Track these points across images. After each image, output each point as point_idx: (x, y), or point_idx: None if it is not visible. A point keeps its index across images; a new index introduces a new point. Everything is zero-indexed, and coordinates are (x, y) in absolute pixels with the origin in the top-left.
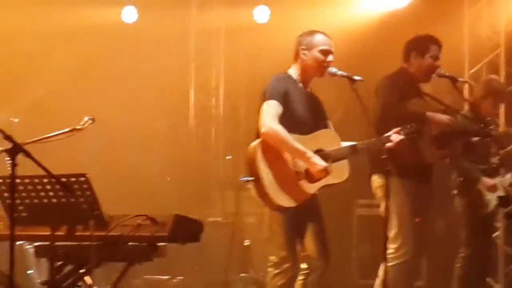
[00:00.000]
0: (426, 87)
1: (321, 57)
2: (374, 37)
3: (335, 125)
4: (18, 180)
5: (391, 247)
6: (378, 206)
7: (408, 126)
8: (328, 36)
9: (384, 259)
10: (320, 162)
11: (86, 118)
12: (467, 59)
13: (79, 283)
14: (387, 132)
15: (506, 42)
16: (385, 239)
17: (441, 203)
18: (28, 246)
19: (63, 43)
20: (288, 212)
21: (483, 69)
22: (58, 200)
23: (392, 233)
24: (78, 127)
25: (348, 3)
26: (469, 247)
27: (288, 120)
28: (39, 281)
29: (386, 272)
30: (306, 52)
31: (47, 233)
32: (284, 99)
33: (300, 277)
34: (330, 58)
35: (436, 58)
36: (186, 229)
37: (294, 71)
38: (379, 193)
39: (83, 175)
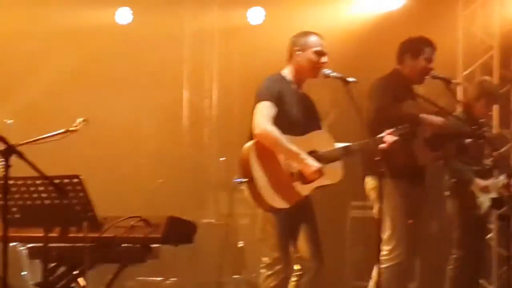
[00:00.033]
0: (419, 89)
1: (315, 58)
2: (368, 38)
3: (329, 126)
4: (11, 181)
5: (385, 249)
6: (371, 208)
7: (401, 127)
8: (322, 37)
9: (378, 261)
10: (313, 164)
11: (79, 120)
12: (461, 60)
13: (73, 285)
14: (381, 133)
15: (500, 44)
16: (379, 241)
17: (434, 204)
18: (22, 248)
19: (57, 44)
20: (281, 213)
21: (477, 71)
22: (51, 202)
23: (385, 235)
24: (72, 128)
25: (342, 5)
26: (461, 249)
27: (281, 121)
28: (32, 282)
29: (379, 274)
30: (300, 53)
31: (41, 234)
32: (278, 100)
33: (293, 279)
34: (324, 59)
35: (430, 60)
36: (180, 231)
37: (287, 72)
38: (372, 195)
39: (77, 176)
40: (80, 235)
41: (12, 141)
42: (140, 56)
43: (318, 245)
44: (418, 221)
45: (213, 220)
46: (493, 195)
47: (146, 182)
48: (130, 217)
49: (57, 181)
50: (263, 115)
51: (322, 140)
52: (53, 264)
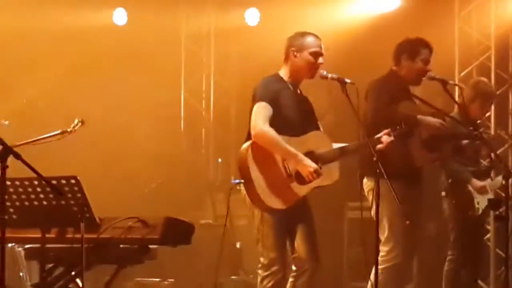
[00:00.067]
0: (416, 90)
1: (311, 59)
2: (364, 39)
3: (326, 127)
4: (8, 183)
5: (383, 250)
6: (369, 208)
7: (398, 127)
8: (318, 38)
9: (376, 262)
10: (311, 164)
11: (76, 121)
12: (458, 61)
13: (70, 286)
14: (378, 134)
15: (496, 45)
16: (376, 242)
17: (432, 205)
18: (19, 249)
19: (54, 45)
20: (278, 214)
21: (473, 72)
22: (48, 203)
23: (383, 236)
24: (68, 129)
25: (339, 6)
26: (457, 250)
27: (278, 121)
28: (29, 283)
29: (377, 275)
30: (296, 54)
31: (38, 235)
32: (275, 101)
33: (290, 279)
34: (320, 60)
35: (426, 61)
36: (177, 232)
37: (284, 73)
38: (370, 196)
39: (74, 177)
40: (78, 236)
41: (9, 142)
42: (137, 57)
43: (315, 245)
44: (415, 222)
45: (210, 221)
46: (490, 196)
47: (143, 183)
48: (128, 218)
49: (54, 182)
50: (261, 116)
51: (319, 141)
52: (50, 265)
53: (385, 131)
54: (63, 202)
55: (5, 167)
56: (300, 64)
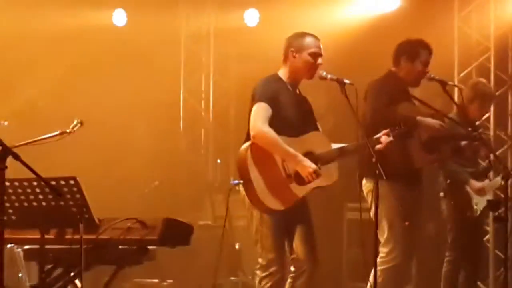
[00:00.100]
0: (415, 91)
1: (310, 60)
2: (363, 40)
3: (326, 128)
4: (7, 183)
5: (383, 251)
6: (368, 209)
7: (397, 128)
8: (318, 38)
9: (374, 263)
10: (310, 165)
11: (75, 121)
12: (457, 62)
13: (69, 286)
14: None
15: (495, 46)
16: (375, 243)
17: (430, 206)
18: (18, 249)
19: (53, 46)
20: (277, 214)
21: (472, 73)
22: (47, 203)
23: (383, 237)
24: (68, 130)
25: (338, 6)
26: (455, 251)
27: (277, 122)
28: (29, 284)
29: (376, 276)
30: (295, 54)
31: (37, 236)
32: (274, 101)
33: (289, 280)
34: (319, 61)
35: (426, 63)
36: (176, 233)
37: (283, 73)
38: (370, 197)
39: (73, 178)
40: (77, 236)
41: (8, 142)
42: (137, 58)
43: (314, 246)
44: (415, 223)
45: (209, 222)
46: (489, 197)
47: (143, 184)
48: (127, 219)
49: (53, 182)
50: (260, 117)
51: (318, 141)
52: (49, 266)
53: (384, 131)
54: (62, 203)
55: (4, 168)
56: (299, 64)
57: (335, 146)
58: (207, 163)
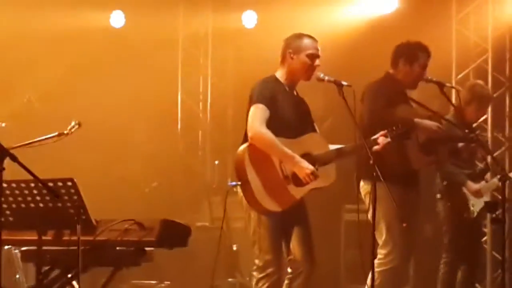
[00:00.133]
0: (413, 92)
1: (308, 61)
2: (361, 41)
3: (324, 130)
4: (4, 185)
5: (381, 253)
6: (365, 211)
7: (395, 128)
8: (315, 39)
9: (372, 265)
10: (308, 166)
11: (72, 123)
12: (455, 64)
13: None
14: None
15: (493, 48)
16: (373, 245)
17: (428, 207)
18: (16, 251)
19: (51, 47)
20: (275, 216)
21: (470, 74)
22: (45, 205)
23: (381, 239)
24: (65, 131)
25: (336, 8)
26: (451, 252)
27: (275, 123)
28: (26, 285)
29: (373, 278)
30: (293, 56)
31: (34, 237)
32: (271, 103)
33: (286, 282)
34: (317, 62)
35: (424, 66)
36: (174, 234)
37: (281, 74)
38: (368, 199)
39: (71, 179)
40: (74, 238)
41: (6, 144)
42: (134, 59)
43: (311, 247)
44: (412, 225)
45: (207, 224)
46: (486, 198)
47: (140, 185)
48: (124, 220)
49: (51, 184)
50: (257, 118)
51: (315, 142)
52: (47, 267)
53: (382, 132)
54: (59, 204)
55: (1, 169)
56: (297, 66)
57: (332, 147)
58: (204, 165)
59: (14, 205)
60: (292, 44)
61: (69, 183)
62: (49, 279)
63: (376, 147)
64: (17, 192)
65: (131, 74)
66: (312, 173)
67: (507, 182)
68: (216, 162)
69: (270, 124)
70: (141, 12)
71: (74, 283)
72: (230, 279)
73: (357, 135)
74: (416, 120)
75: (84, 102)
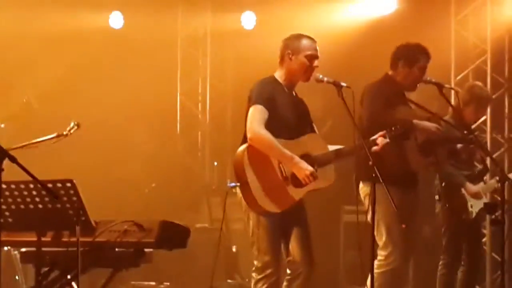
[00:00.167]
0: (412, 93)
1: (307, 62)
2: (360, 42)
3: (323, 131)
4: (4, 186)
5: (381, 254)
6: (364, 212)
7: (394, 128)
8: (314, 40)
9: (371, 267)
10: (307, 167)
11: (72, 124)
12: (454, 65)
13: None
14: None
15: (492, 49)
16: (372, 247)
17: (427, 209)
18: (15, 252)
19: (50, 48)
20: (274, 217)
21: (469, 76)
22: (44, 206)
23: (381, 241)
24: (64, 132)
25: (335, 9)
26: (449, 254)
27: (274, 124)
28: (25, 287)
29: (373, 280)
30: (292, 56)
31: (33, 239)
32: (270, 103)
33: (284, 283)
34: (316, 63)
35: (424, 69)
36: (173, 235)
37: (279, 75)
38: (367, 201)
39: (70, 180)
40: (73, 239)
41: (5, 145)
42: (133, 60)
43: (310, 248)
44: (412, 226)
45: (206, 225)
46: (484, 199)
47: (139, 187)
48: (123, 222)
49: (50, 185)
50: (256, 119)
51: (314, 143)
52: (46, 269)
53: (380, 133)
54: (58, 205)
55: (0, 171)
56: (295, 67)
57: (331, 148)
58: (204, 166)
59: (13, 206)
60: (291, 45)
61: (68, 184)
62: (48, 280)
63: (375, 148)
64: (16, 193)
65: (130, 75)
66: (311, 174)
67: (507, 183)
68: (215, 163)
69: (269, 125)
70: (140, 13)
71: (74, 284)
72: (229, 281)
73: (356, 136)
74: (415, 121)
75: (83, 103)
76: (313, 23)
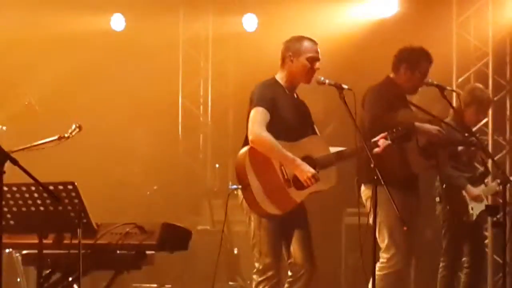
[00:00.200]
0: (414, 95)
1: (308, 64)
2: (362, 45)
3: (325, 133)
4: (5, 188)
5: (384, 257)
6: (366, 215)
7: (395, 130)
8: (315, 42)
9: (373, 269)
10: (309, 169)
11: (73, 126)
12: (455, 67)
13: None
14: None
15: (494, 51)
16: (374, 250)
17: (428, 211)
18: (17, 254)
19: (52, 50)
20: (275, 219)
21: (471, 78)
22: (45, 208)
23: (384, 243)
24: (66, 135)
25: (337, 12)
26: (449, 256)
27: (275, 126)
28: None
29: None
30: (293, 59)
31: (35, 241)
32: (272, 106)
33: (286, 285)
34: (317, 65)
35: (425, 73)
36: (174, 237)
37: (280, 77)
38: (369, 204)
39: (72, 183)
40: (75, 241)
41: (6, 147)
42: (135, 63)
43: (311, 250)
44: (413, 228)
45: (208, 227)
46: (485, 201)
47: (141, 189)
48: (125, 224)
49: (51, 187)
50: (258, 121)
51: (316, 145)
52: (47, 271)
53: (382, 134)
54: (60, 207)
55: (2, 173)
56: (297, 69)
57: (333, 150)
58: (205, 168)
59: (15, 209)
60: (292, 47)
61: (70, 187)
62: (50, 283)
63: (376, 150)
64: (18, 195)
65: (131, 77)
66: (313, 176)
67: (508, 185)
68: (217, 165)
69: (271, 127)
70: (142, 15)
71: (75, 286)
72: (231, 283)
73: (358, 138)
74: (417, 124)
75: (84, 105)
76: (314, 26)
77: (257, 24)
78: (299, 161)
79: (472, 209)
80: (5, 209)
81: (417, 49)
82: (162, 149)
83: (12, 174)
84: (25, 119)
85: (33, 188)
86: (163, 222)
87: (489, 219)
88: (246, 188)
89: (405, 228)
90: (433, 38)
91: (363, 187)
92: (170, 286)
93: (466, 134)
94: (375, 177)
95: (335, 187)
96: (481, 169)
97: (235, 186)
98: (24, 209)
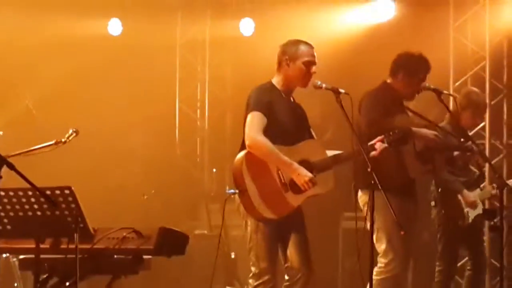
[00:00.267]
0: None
1: (304, 68)
2: (359, 49)
3: (325, 142)
4: (2, 193)
5: (382, 261)
6: (363, 219)
7: (392, 133)
8: (312, 46)
9: (370, 274)
10: (306, 173)
11: (70, 131)
12: (452, 71)
13: None
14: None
15: (491, 55)
16: (371, 254)
17: (425, 215)
18: (14, 259)
19: (49, 55)
20: (272, 223)
21: (468, 82)
22: (42, 213)
23: (381, 248)
24: (63, 139)
25: (334, 16)
26: (445, 260)
27: (272, 130)
28: None
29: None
30: (289, 63)
31: (32, 246)
32: (269, 110)
33: None
34: (313, 69)
35: (423, 80)
36: (172, 242)
37: (277, 81)
38: (366, 208)
39: (68, 187)
40: (72, 246)
41: (3, 152)
42: (132, 67)
43: (308, 255)
44: (411, 233)
45: (205, 231)
46: (481, 206)
47: (138, 193)
48: (122, 228)
49: (48, 192)
50: (254, 126)
51: (313, 149)
52: (44, 276)
53: (379, 137)
54: (57, 212)
55: None
56: (293, 73)
57: (330, 153)
58: (202, 172)
59: (11, 213)
60: (289, 51)
61: (67, 191)
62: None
63: (373, 153)
64: (14, 200)
65: (128, 82)
66: (310, 180)
67: (505, 189)
68: (214, 169)
69: (267, 131)
70: (139, 19)
71: None
72: (228, 287)
73: (354, 142)
74: (414, 129)
75: (82, 110)
76: (311, 30)
77: (254, 29)
78: (296, 165)
79: (467, 213)
80: (2, 214)
81: (416, 56)
82: (159, 153)
83: (9, 179)
84: (22, 123)
85: (30, 193)
86: (160, 226)
87: (486, 223)
88: (243, 192)
89: (402, 233)
90: (430, 42)
91: (360, 193)
92: None
93: (462, 139)
94: (372, 182)
95: (333, 191)
96: (477, 172)
97: (232, 191)
98: (21, 214)
